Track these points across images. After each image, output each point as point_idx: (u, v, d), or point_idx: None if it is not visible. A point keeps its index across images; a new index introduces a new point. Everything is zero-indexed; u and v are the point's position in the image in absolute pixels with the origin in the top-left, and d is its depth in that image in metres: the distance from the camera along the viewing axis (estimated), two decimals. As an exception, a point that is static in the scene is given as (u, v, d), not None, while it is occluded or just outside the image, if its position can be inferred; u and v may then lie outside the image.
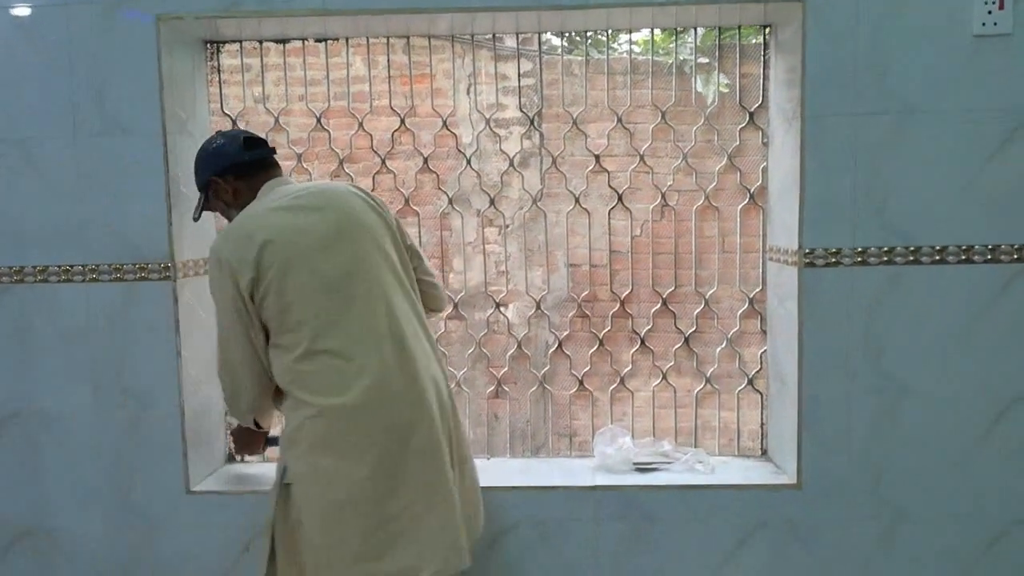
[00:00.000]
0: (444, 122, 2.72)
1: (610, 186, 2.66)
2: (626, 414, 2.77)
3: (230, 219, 2.06)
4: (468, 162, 2.74)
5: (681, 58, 2.74)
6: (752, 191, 2.60)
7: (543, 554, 2.40)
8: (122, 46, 2.30)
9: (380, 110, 2.70)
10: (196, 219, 2.12)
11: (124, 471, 2.41)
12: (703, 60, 3.85)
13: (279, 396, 1.96)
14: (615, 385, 2.70)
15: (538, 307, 2.75)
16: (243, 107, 2.71)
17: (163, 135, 2.32)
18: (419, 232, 2.74)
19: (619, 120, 2.64)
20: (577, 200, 2.68)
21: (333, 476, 1.80)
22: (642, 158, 2.62)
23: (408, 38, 2.55)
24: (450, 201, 2.77)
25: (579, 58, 4.78)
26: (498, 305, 2.74)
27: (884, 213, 2.26)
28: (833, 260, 2.29)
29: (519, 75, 2.76)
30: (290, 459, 1.87)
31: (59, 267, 2.36)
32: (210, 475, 2.52)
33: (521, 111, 3.68)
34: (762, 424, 2.62)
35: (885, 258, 2.27)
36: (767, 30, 2.52)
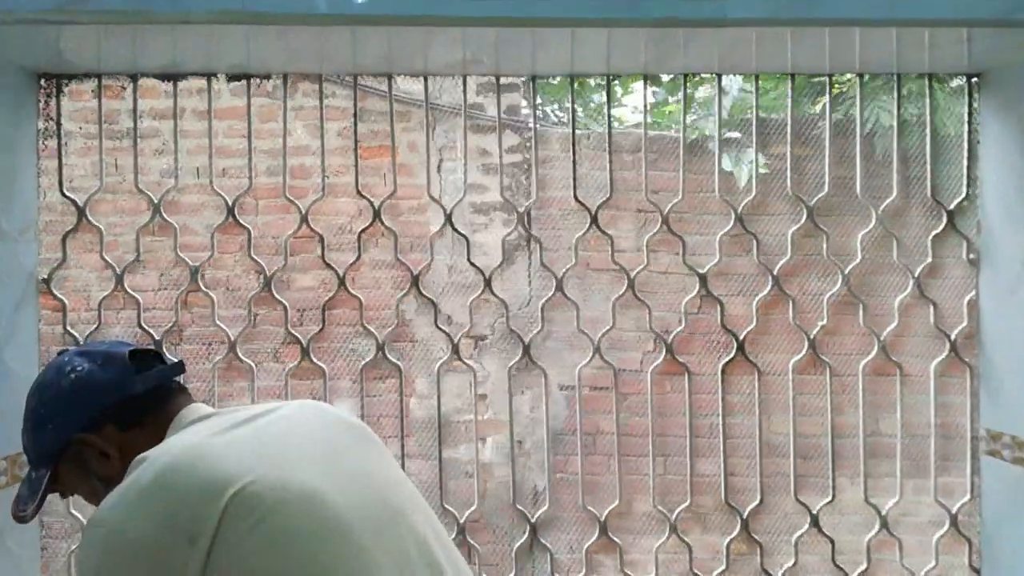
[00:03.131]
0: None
1: (724, 325, 1.62)
2: None
3: (94, 498, 1.22)
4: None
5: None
6: (954, 338, 1.60)
7: None
8: None
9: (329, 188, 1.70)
10: (28, 519, 1.25)
11: None
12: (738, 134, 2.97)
13: None
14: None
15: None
16: (98, 186, 1.59)
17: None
18: (376, 342, 1.73)
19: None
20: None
21: None
22: (777, 281, 1.61)
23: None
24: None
25: (581, 131, 3.88)
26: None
27: None
28: None
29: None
30: None
31: None
32: None
33: (503, 196, 2.77)
34: None
35: None
36: (971, 82, 1.58)
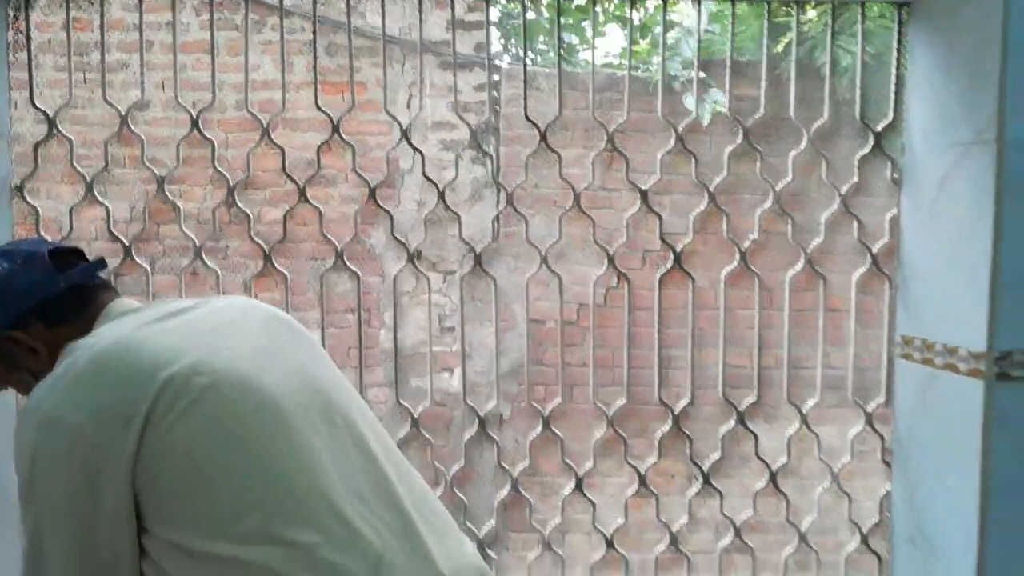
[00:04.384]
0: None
1: (664, 240, 1.72)
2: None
3: (25, 389, 1.24)
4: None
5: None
6: (875, 252, 1.72)
7: None
8: None
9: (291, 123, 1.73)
10: None
11: None
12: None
13: None
14: (664, 549, 1.75)
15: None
16: (68, 98, 1.65)
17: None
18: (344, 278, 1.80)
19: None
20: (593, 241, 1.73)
21: None
22: (712, 197, 1.71)
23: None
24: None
25: (546, 69, 3.93)
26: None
27: None
28: (1039, 371, 1.43)
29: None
30: None
31: None
32: None
33: (472, 130, 2.82)
34: (880, 604, 1.73)
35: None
36: (900, 10, 1.68)
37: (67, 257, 1.23)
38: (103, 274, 1.25)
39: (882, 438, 1.74)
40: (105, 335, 1.14)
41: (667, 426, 1.74)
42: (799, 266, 1.74)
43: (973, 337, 1.47)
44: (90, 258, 1.25)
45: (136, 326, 1.14)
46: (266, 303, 1.28)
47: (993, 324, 1.44)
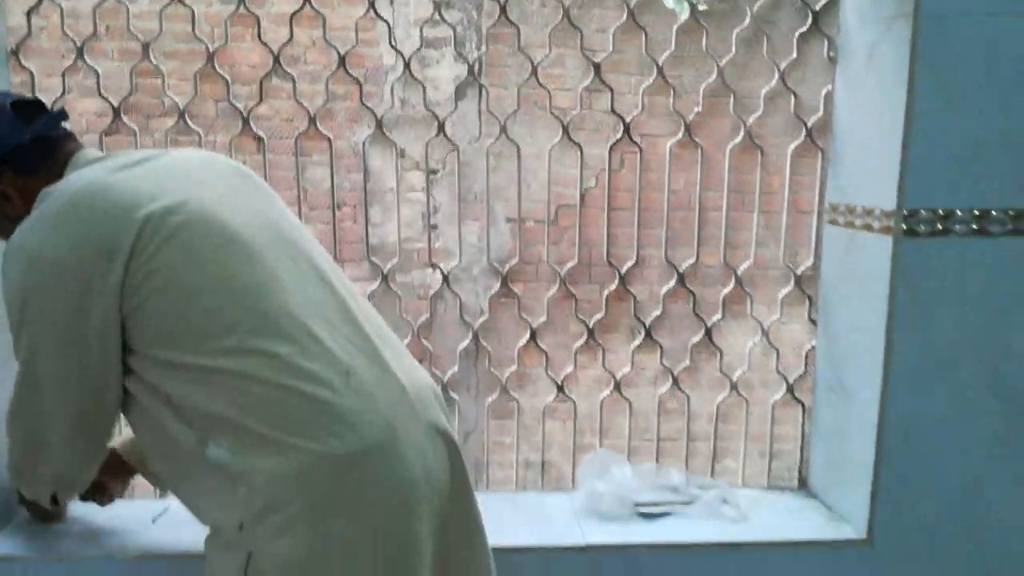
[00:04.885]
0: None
1: (614, 112, 1.85)
2: (615, 432, 2.03)
3: (2, 234, 1.33)
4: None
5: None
6: (810, 126, 1.85)
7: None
8: None
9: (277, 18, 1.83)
10: None
11: None
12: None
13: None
14: (608, 392, 1.94)
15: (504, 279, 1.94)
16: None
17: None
18: (332, 172, 1.91)
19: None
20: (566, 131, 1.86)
21: (357, 554, 1.19)
22: (661, 71, 1.83)
23: None
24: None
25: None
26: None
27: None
28: (941, 228, 1.58)
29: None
30: (255, 538, 1.18)
31: None
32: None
33: (453, 30, 2.88)
34: (802, 446, 1.92)
35: (1012, 226, 1.59)
36: None
37: (30, 108, 1.30)
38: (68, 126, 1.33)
39: (809, 299, 1.90)
40: (80, 178, 1.23)
41: (614, 285, 1.91)
42: (739, 138, 1.87)
43: (886, 198, 1.61)
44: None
45: (106, 172, 1.23)
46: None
47: (903, 184, 1.58)
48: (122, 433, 1.53)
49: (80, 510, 1.66)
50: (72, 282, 1.18)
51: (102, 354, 1.21)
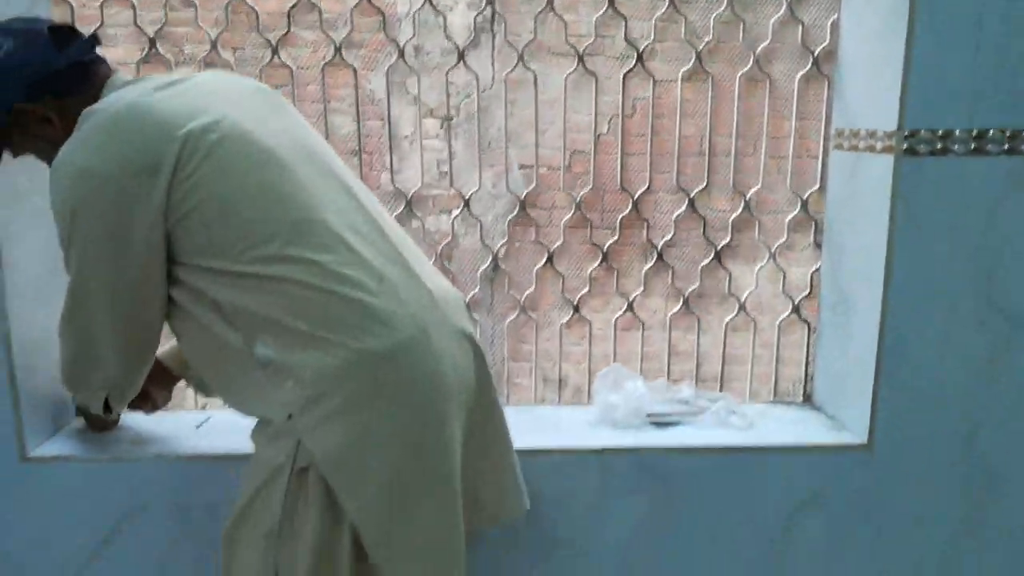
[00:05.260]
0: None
1: (627, 39, 1.92)
2: (631, 351, 2.13)
3: (45, 156, 1.37)
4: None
5: None
6: (817, 55, 1.92)
7: (531, 540, 1.76)
8: None
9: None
10: None
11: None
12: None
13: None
14: (621, 313, 2.04)
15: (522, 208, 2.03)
16: None
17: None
18: (357, 106, 1.99)
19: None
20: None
21: (395, 440, 1.29)
22: (673, 2, 1.90)
23: None
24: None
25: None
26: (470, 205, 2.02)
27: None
28: (940, 147, 1.66)
29: None
30: (303, 427, 1.27)
31: None
32: (55, 435, 1.75)
33: None
34: (807, 364, 2.02)
35: (1008, 145, 1.66)
36: None
37: (64, 34, 1.35)
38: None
39: (815, 222, 1.99)
40: (119, 98, 1.28)
41: (627, 209, 2.00)
42: (748, 67, 1.95)
43: (888, 119, 1.68)
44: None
45: (144, 92, 1.29)
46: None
47: (903, 105, 1.65)
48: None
49: (128, 420, 1.77)
50: (118, 197, 1.24)
51: (148, 266, 1.29)
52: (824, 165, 1.94)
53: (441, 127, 4.33)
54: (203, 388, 1.51)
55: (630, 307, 2.01)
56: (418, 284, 1.36)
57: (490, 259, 1.98)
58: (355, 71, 1.92)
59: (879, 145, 1.72)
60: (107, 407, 1.51)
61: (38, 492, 1.66)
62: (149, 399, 1.65)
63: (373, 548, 1.29)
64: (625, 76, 1.93)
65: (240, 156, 1.28)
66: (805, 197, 1.98)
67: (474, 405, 1.40)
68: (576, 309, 2.02)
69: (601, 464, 1.76)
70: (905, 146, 1.66)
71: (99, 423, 1.70)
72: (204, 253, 1.28)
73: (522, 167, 4.04)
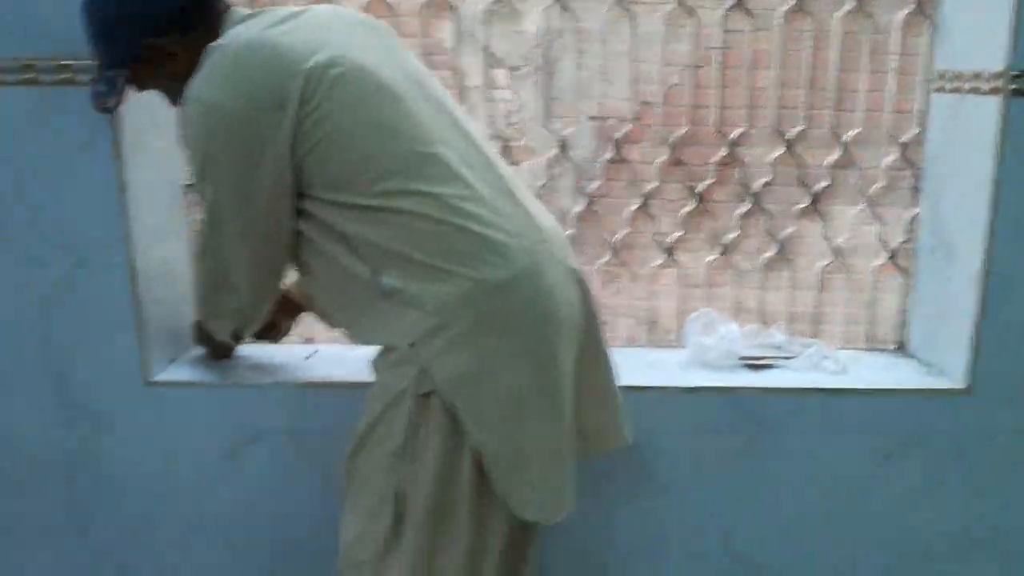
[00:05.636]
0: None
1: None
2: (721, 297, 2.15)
3: (168, 90, 1.45)
4: None
5: None
6: (920, -6, 1.89)
7: (624, 477, 1.80)
8: None
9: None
10: (111, 109, 1.46)
11: (55, 353, 1.75)
12: None
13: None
14: (714, 257, 2.05)
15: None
16: None
17: None
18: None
19: None
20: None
21: (513, 364, 1.34)
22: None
23: None
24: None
25: None
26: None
27: None
28: (1048, 86, 1.62)
29: None
30: (426, 354, 1.32)
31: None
32: (173, 361, 1.86)
33: None
34: (902, 313, 2.01)
35: (1122, 84, 1.62)
36: None
37: None
38: None
39: (913, 166, 1.96)
40: (241, 33, 1.33)
41: (723, 152, 2.00)
42: (848, 6, 1.92)
43: (995, 59, 1.66)
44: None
45: (263, 27, 1.33)
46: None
47: (1013, 45, 1.62)
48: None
49: (243, 351, 1.87)
50: (246, 132, 1.30)
51: (277, 199, 1.35)
52: (924, 108, 1.91)
53: (510, 77, 4.33)
54: (326, 319, 1.57)
55: (724, 250, 2.02)
56: (529, 218, 1.40)
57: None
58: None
59: (985, 86, 1.69)
60: (236, 336, 1.58)
61: (160, 416, 1.76)
62: (276, 328, 1.73)
63: (492, 463, 1.34)
64: (725, 14, 1.92)
65: (360, 90, 1.32)
66: (902, 139, 1.96)
67: (584, 341, 1.44)
68: (669, 252, 2.04)
69: (694, 403, 1.79)
70: (1013, 87, 1.63)
71: (220, 350, 1.80)
72: (330, 187, 1.33)
73: (591, 118, 4.00)
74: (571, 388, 1.41)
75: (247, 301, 1.50)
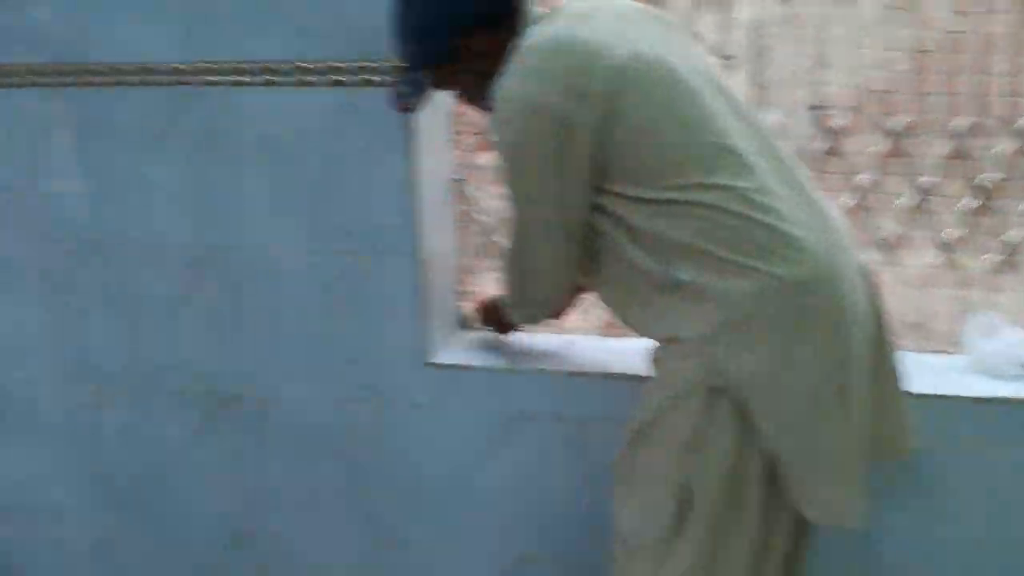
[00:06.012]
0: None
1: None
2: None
3: (472, 89, 1.49)
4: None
5: None
6: None
7: (903, 482, 1.72)
8: None
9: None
10: (412, 109, 1.55)
11: (344, 331, 1.89)
12: None
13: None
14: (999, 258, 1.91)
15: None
16: None
17: None
18: None
19: None
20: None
21: (811, 364, 1.31)
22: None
23: None
24: None
25: None
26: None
27: None
28: None
29: None
30: (720, 349, 1.32)
31: (258, 65, 1.76)
32: (446, 343, 1.96)
33: None
34: None
35: None
36: None
37: None
38: None
39: None
40: (545, 30, 1.36)
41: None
42: None
43: None
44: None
45: (567, 24, 1.37)
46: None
47: None
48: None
49: (513, 335, 1.94)
50: (559, 127, 1.33)
51: (578, 194, 1.39)
52: None
53: (722, 65, 4.19)
54: (612, 310, 1.59)
55: (1011, 252, 1.88)
56: (821, 213, 1.37)
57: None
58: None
59: None
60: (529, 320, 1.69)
61: (436, 395, 1.87)
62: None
63: (787, 464, 1.33)
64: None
65: (661, 84, 1.34)
66: None
67: (876, 340, 1.39)
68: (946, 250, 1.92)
69: (979, 413, 1.68)
70: None
71: (506, 327, 1.86)
72: (626, 180, 1.36)
73: (810, 108, 3.82)
74: (866, 390, 1.37)
75: (552, 295, 1.57)
